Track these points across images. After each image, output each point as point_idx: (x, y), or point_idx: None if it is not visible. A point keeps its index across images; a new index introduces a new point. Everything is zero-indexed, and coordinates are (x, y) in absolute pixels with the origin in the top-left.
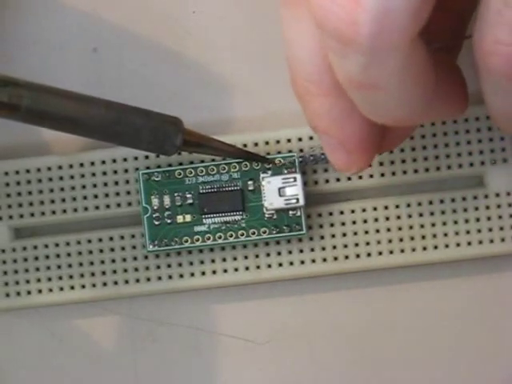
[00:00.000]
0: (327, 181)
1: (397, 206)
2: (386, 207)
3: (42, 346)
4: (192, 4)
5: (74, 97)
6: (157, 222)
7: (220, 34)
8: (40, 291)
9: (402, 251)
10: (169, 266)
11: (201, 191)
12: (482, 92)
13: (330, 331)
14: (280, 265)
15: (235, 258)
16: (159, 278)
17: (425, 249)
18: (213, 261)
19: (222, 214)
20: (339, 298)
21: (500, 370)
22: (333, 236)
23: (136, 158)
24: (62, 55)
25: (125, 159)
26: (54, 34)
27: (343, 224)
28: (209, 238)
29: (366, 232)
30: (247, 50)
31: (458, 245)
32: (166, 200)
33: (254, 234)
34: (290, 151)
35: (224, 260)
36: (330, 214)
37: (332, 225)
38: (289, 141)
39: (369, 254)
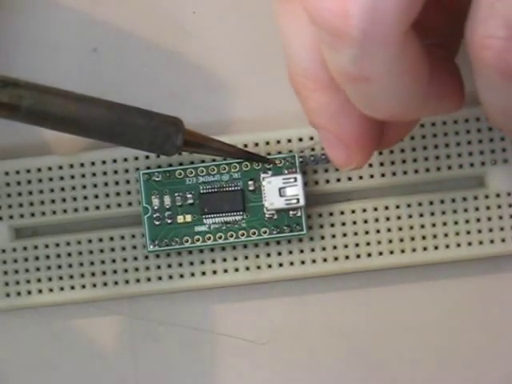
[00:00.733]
0: (328, 181)
1: (397, 207)
2: (387, 207)
3: (42, 345)
4: (192, 4)
5: (74, 97)
6: (157, 222)
7: (220, 34)
8: (40, 291)
9: (403, 251)
10: (169, 266)
11: (201, 191)
12: (475, 88)
13: (329, 331)
14: (280, 265)
15: (236, 258)
16: (159, 278)
17: (425, 249)
18: (213, 261)
19: (222, 214)
20: (339, 298)
21: (500, 370)
22: (333, 236)
23: (136, 158)
24: (62, 55)
25: (125, 159)
26: (54, 34)
27: (344, 224)
28: (209, 238)
29: (367, 232)
30: (247, 50)
31: (459, 245)
32: (167, 200)
33: (254, 234)
34: (290, 151)
35: (224, 260)
36: (331, 214)
37: (332, 225)
38: (289, 141)
39: (369, 255)
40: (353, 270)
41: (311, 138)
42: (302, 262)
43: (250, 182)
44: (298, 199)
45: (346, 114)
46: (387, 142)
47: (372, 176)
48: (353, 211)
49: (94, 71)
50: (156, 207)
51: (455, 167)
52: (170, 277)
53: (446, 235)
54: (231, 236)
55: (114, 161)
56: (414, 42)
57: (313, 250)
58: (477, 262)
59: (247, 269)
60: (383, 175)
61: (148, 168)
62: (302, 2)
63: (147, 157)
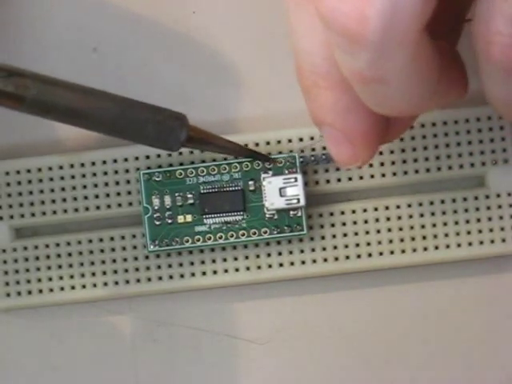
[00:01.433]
0: (328, 181)
1: (398, 207)
2: (387, 207)
3: (42, 345)
4: (192, 4)
5: (80, 89)
6: (158, 222)
7: (220, 34)
8: (41, 291)
9: (403, 251)
10: (169, 266)
11: (202, 191)
12: (480, 79)
13: (330, 331)
14: (281, 265)
15: (236, 258)
16: (160, 278)
17: (425, 249)
18: (213, 261)
19: (222, 214)
20: (339, 298)
21: (500, 370)
22: (333, 236)
23: (137, 158)
24: (62, 55)
25: (126, 159)
26: (54, 34)
27: (344, 224)
28: (210, 238)
29: (367, 232)
30: (247, 50)
31: (459, 245)
32: (167, 200)
33: (254, 234)
34: (290, 151)
35: (225, 260)
36: (331, 214)
37: (333, 225)
38: (290, 141)
39: (370, 255)
40: (353, 270)
41: (311, 138)
42: (303, 262)
43: (251, 182)
44: (298, 199)
45: (355, 111)
46: (391, 135)
47: (372, 176)
48: (353, 211)
49: (94, 71)
50: (156, 207)
51: (456, 167)
52: (171, 277)
53: (446, 235)
54: (232, 236)
55: (115, 161)
56: (427, 40)
57: (313, 250)
58: (477, 262)
59: (248, 269)
60: (384, 175)
61: (148, 168)
62: (314, 4)
63: (148, 157)
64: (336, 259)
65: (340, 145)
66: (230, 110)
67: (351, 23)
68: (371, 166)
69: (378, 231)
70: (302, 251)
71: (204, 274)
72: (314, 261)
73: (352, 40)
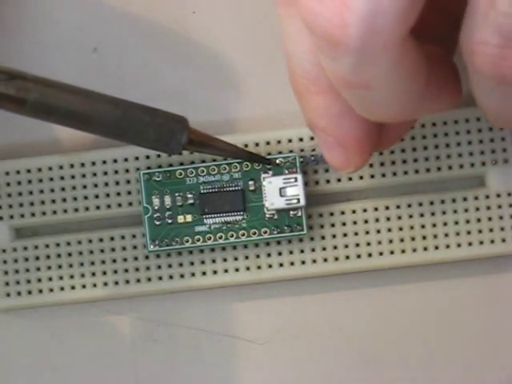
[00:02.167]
0: (328, 181)
1: (398, 207)
2: (387, 207)
3: (42, 345)
4: (192, 4)
5: (81, 92)
6: (158, 222)
7: (220, 34)
8: (41, 291)
9: (403, 251)
10: (170, 266)
11: (202, 191)
12: (470, 87)
13: (330, 331)
14: (281, 265)
15: (236, 258)
16: (160, 278)
17: (425, 249)
18: (214, 261)
19: (222, 214)
20: (339, 298)
21: (500, 370)
22: (334, 236)
23: (137, 158)
24: (62, 55)
25: (126, 159)
26: (54, 34)
27: (344, 224)
28: (210, 238)
29: (367, 232)
30: (248, 50)
31: (459, 245)
32: (167, 200)
33: (254, 234)
34: (290, 151)
35: (225, 260)
36: (331, 214)
37: (333, 225)
38: (290, 141)
39: (370, 255)
40: (353, 270)
41: (312, 138)
42: (303, 262)
43: (251, 182)
44: (298, 199)
45: (347, 116)
46: (387, 142)
47: (373, 176)
48: (353, 211)
49: (94, 71)
50: (156, 207)
51: (456, 167)
52: (171, 277)
53: (446, 235)
54: (232, 236)
55: (115, 161)
56: (411, 46)
57: (313, 250)
58: (477, 262)
59: (248, 269)
60: (384, 175)
61: (148, 168)
62: (298, 9)
63: (148, 157)
64: (336, 259)
65: (332, 149)
66: (230, 110)
67: (332, 28)
68: (371, 165)
69: (378, 231)
70: (302, 251)
71: (204, 273)
72: (314, 261)
73: (334, 45)
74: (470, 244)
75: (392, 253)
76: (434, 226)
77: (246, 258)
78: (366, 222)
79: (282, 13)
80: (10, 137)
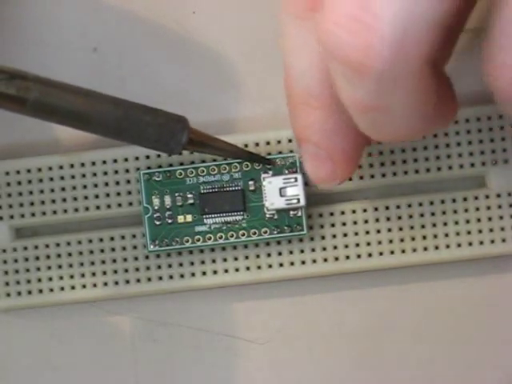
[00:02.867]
0: None
1: (398, 207)
2: (387, 207)
3: (42, 346)
4: (192, 4)
5: (81, 92)
6: (158, 222)
7: (220, 34)
8: (41, 291)
9: (403, 252)
10: (170, 266)
11: (202, 191)
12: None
13: (330, 331)
14: (281, 265)
15: (236, 258)
16: (160, 278)
17: (426, 249)
18: (214, 261)
19: (222, 214)
20: (339, 298)
21: (500, 370)
22: (334, 236)
23: (137, 158)
24: (62, 55)
25: (126, 159)
26: (54, 34)
27: (344, 224)
28: (210, 238)
29: (367, 232)
30: (248, 50)
31: (459, 245)
32: (167, 200)
33: (254, 234)
34: (291, 151)
35: (225, 260)
36: (331, 214)
37: (333, 225)
38: (290, 141)
39: (370, 255)
40: (353, 270)
41: None
42: (303, 262)
43: (251, 182)
44: (298, 199)
45: (342, 132)
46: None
47: (373, 176)
48: (353, 211)
49: (94, 71)
50: (156, 207)
51: (456, 167)
52: (171, 277)
53: (446, 235)
54: (232, 236)
55: (115, 161)
56: (430, 70)
57: (313, 250)
58: (477, 262)
59: (248, 269)
60: (384, 175)
61: (148, 168)
62: (316, 33)
63: (148, 157)
64: (336, 259)
65: (322, 164)
66: (230, 109)
67: (356, 54)
68: (371, 165)
69: (378, 231)
70: (302, 251)
71: (204, 273)
72: (314, 261)
73: (355, 70)
74: (470, 244)
75: (392, 253)
76: (434, 225)
77: (246, 257)
78: (366, 221)
79: (287, 21)
80: (10, 137)
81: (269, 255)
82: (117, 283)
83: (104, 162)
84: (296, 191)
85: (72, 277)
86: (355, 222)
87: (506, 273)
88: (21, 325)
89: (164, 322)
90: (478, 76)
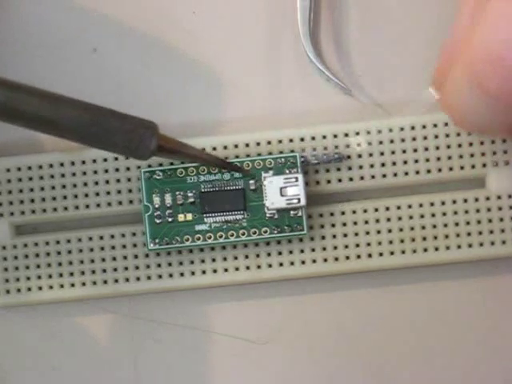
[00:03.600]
0: (329, 181)
1: (398, 207)
2: (388, 208)
3: (41, 344)
4: (192, 4)
5: (49, 96)
6: (158, 221)
7: (220, 34)
8: (40, 288)
9: (403, 252)
10: (169, 264)
11: (202, 190)
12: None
13: (330, 331)
14: (281, 265)
15: (236, 258)
16: (160, 277)
17: (426, 250)
18: (213, 260)
19: (223, 213)
20: (339, 298)
21: (500, 371)
22: (334, 236)
23: None
24: (62, 55)
25: (127, 157)
26: (53, 34)
27: (344, 224)
28: (210, 237)
29: (367, 233)
30: (248, 49)
31: (459, 246)
32: (168, 198)
33: (255, 233)
34: (292, 151)
35: (225, 259)
36: (331, 214)
37: (333, 225)
38: (291, 140)
39: (369, 255)
40: (353, 271)
41: (313, 138)
42: (303, 262)
43: (251, 182)
44: (298, 199)
45: None
46: None
47: (373, 176)
48: (353, 211)
49: (94, 71)
50: (157, 205)
51: (456, 169)
52: (171, 275)
53: (446, 236)
54: (232, 235)
55: (116, 159)
56: None
57: (313, 250)
58: (477, 264)
59: (247, 268)
60: (384, 176)
61: (149, 166)
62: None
63: None
64: (336, 259)
65: None
66: (231, 109)
67: None
68: (372, 166)
69: (379, 232)
70: (302, 251)
71: (204, 272)
72: (314, 261)
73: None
74: (470, 245)
75: (392, 253)
76: (435, 227)
77: (246, 257)
78: (367, 222)
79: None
80: (10, 134)
81: (269, 255)
82: (117, 281)
83: (105, 160)
84: (296, 191)
85: (72, 274)
86: (355, 223)
87: (506, 274)
88: (20, 322)
89: (164, 322)
90: None
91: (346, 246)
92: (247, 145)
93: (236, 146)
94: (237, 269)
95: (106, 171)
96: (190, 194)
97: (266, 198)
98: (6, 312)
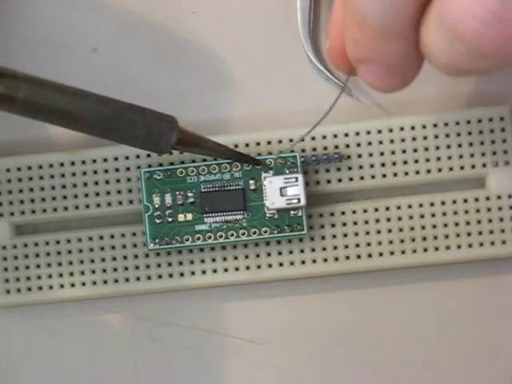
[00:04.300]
0: (329, 181)
1: (398, 207)
2: (388, 208)
3: (41, 343)
4: (192, 4)
5: (71, 91)
6: (158, 221)
7: (220, 34)
8: (40, 288)
9: (403, 252)
10: (169, 264)
11: (202, 190)
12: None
13: (330, 331)
14: (281, 265)
15: (236, 258)
16: (160, 277)
17: (426, 250)
18: (213, 260)
19: (223, 213)
20: (339, 298)
21: (500, 371)
22: (334, 236)
23: (138, 157)
24: (62, 55)
25: (127, 157)
26: (54, 34)
27: (344, 224)
28: (210, 237)
29: (367, 233)
30: (248, 49)
31: (459, 247)
32: (168, 198)
33: (255, 233)
34: (292, 151)
35: (225, 259)
36: (332, 214)
37: (333, 225)
38: (291, 141)
39: (369, 255)
40: (353, 271)
41: (313, 138)
42: (303, 262)
43: (252, 182)
44: (298, 199)
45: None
46: None
47: (373, 177)
48: (353, 212)
49: (94, 71)
50: (157, 205)
51: (456, 169)
52: (170, 275)
53: (446, 236)
54: (232, 235)
55: (116, 159)
56: None
57: (313, 250)
58: (477, 264)
59: (247, 268)
60: (384, 176)
61: (149, 166)
62: (442, 20)
63: (149, 155)
64: (336, 259)
65: (391, 77)
66: (231, 109)
67: (492, 49)
68: (372, 166)
69: (379, 232)
70: (302, 251)
71: (204, 272)
72: (314, 261)
73: (478, 55)
74: (470, 245)
75: (392, 253)
76: (435, 227)
77: (246, 257)
78: (367, 222)
79: None
80: (11, 134)
81: (269, 255)
82: (116, 281)
83: (105, 160)
84: (296, 191)
85: (72, 274)
86: (355, 223)
87: (506, 274)
88: (20, 322)
89: (164, 321)
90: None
91: (346, 246)
92: (247, 145)
93: (236, 146)
94: (237, 269)
95: (106, 171)
96: (190, 194)
97: (266, 198)
98: (6, 312)
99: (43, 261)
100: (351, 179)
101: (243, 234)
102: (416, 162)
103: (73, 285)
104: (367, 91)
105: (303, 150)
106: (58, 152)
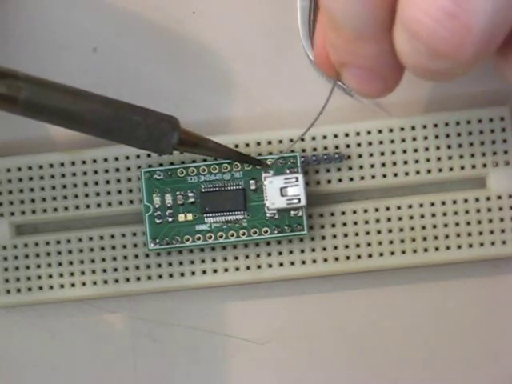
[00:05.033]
0: (329, 181)
1: (398, 208)
2: (388, 208)
3: (41, 343)
4: (192, 4)
5: (72, 91)
6: (158, 221)
7: (220, 34)
8: (40, 288)
9: (403, 252)
10: (170, 264)
11: (203, 190)
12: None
13: (330, 331)
14: (281, 265)
15: (236, 258)
16: (160, 277)
17: (426, 250)
18: (214, 260)
19: (223, 213)
20: (339, 299)
21: (500, 371)
22: (334, 236)
23: (138, 157)
24: (62, 55)
25: (127, 157)
26: (54, 34)
27: (344, 224)
28: (210, 237)
29: (368, 233)
30: (248, 49)
31: (460, 247)
32: (168, 198)
33: (255, 233)
34: (292, 151)
35: (225, 259)
36: (332, 214)
37: (333, 225)
38: (291, 141)
39: (370, 255)
40: (353, 271)
41: (313, 138)
42: (303, 262)
43: (252, 182)
44: (299, 199)
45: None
46: None
47: (373, 177)
48: (354, 212)
49: (94, 71)
50: (157, 205)
51: (457, 169)
52: (171, 275)
53: (447, 236)
54: (232, 235)
55: (116, 159)
56: None
57: (313, 250)
58: (477, 264)
59: (248, 268)
60: (385, 176)
61: (150, 166)
62: (401, 18)
63: (149, 155)
64: (336, 259)
65: (372, 82)
66: (231, 109)
67: (446, 47)
68: (372, 166)
69: (379, 232)
70: (302, 251)
71: (204, 272)
72: (314, 261)
73: (438, 56)
74: (470, 246)
75: (392, 254)
76: (435, 227)
77: (247, 257)
78: (367, 222)
79: None
80: (11, 134)
81: (269, 255)
82: (117, 281)
83: (105, 160)
84: (297, 191)
85: (72, 274)
86: (356, 223)
87: (506, 275)
88: (20, 322)
89: (164, 321)
90: (480, 78)
91: (347, 246)
92: (247, 145)
93: (236, 146)
94: (237, 269)
95: (107, 171)
96: (190, 194)
97: (267, 198)
98: (6, 312)
99: (43, 261)
100: (352, 179)
101: (243, 234)
102: (416, 162)
103: (73, 285)
104: None
105: (303, 150)
106: (59, 152)
